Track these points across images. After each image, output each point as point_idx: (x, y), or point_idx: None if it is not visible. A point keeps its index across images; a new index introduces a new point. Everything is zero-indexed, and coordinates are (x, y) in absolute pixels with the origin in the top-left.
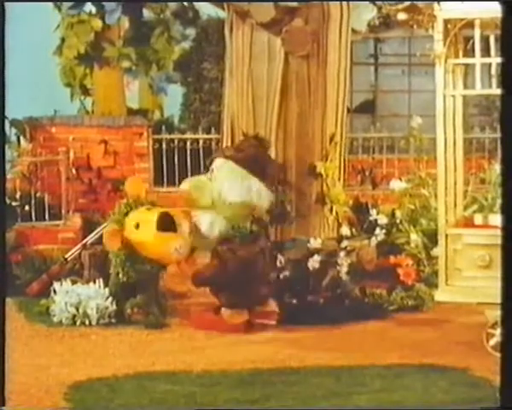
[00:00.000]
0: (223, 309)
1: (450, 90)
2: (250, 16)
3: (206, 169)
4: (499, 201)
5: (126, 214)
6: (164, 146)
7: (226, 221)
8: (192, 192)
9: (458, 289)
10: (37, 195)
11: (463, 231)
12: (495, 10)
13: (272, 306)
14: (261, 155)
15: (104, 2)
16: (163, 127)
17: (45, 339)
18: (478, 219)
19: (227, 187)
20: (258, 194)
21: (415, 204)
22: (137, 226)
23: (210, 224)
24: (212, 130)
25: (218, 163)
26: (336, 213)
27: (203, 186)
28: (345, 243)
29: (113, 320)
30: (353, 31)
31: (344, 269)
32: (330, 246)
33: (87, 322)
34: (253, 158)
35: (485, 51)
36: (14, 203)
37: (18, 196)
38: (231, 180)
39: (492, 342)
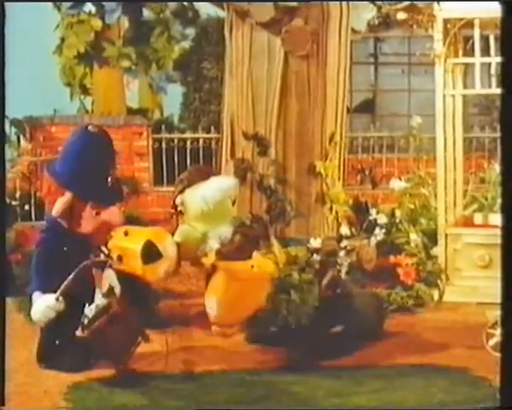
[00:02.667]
0: None
1: (449, 89)
2: (250, 16)
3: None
4: (499, 200)
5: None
6: (164, 145)
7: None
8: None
9: (458, 288)
10: (37, 194)
11: (463, 231)
12: (495, 10)
13: None
14: (198, 169)
15: (104, 2)
16: (163, 127)
17: None
18: (478, 218)
19: (200, 200)
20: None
21: (414, 204)
22: (120, 258)
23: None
24: (212, 129)
25: (179, 200)
26: (336, 212)
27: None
28: (344, 243)
29: None
30: (353, 30)
31: (344, 269)
32: (330, 245)
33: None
34: (195, 174)
35: (485, 51)
36: (14, 203)
37: (18, 195)
38: (199, 196)
39: (492, 342)
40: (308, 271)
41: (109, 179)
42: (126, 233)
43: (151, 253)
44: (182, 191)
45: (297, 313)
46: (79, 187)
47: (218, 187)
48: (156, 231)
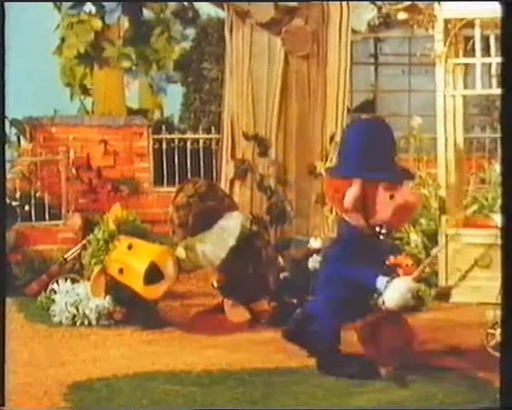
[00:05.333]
0: (226, 308)
1: (450, 89)
2: (250, 16)
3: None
4: (499, 201)
5: (106, 249)
6: (164, 146)
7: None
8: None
9: (458, 289)
10: (37, 195)
11: (463, 231)
12: (495, 10)
13: (265, 305)
14: (203, 212)
15: (104, 2)
16: (163, 127)
17: (45, 339)
18: (478, 218)
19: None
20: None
21: None
22: (121, 271)
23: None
24: (213, 130)
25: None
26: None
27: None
28: None
29: (112, 320)
30: (353, 30)
31: None
32: None
33: (87, 322)
34: (199, 220)
35: (486, 51)
36: (14, 203)
37: (18, 195)
38: (200, 250)
39: (492, 342)
40: None
41: (395, 159)
42: (130, 247)
43: (153, 275)
44: (184, 238)
45: None
46: (367, 171)
47: (219, 241)
48: (160, 252)
